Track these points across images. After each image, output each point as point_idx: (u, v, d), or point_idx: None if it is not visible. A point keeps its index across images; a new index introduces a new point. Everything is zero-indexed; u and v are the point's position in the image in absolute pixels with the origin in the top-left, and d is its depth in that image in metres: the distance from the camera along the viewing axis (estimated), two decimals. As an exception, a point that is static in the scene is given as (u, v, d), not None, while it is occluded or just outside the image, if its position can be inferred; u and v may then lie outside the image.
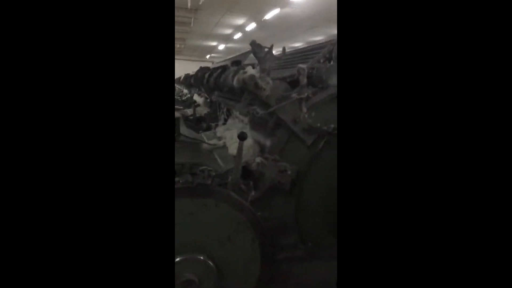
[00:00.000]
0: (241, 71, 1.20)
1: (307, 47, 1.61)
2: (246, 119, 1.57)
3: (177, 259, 1.02)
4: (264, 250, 1.12)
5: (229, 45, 14.85)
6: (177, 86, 5.67)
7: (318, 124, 1.22)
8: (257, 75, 1.17)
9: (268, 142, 1.32)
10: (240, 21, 11.08)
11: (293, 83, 1.27)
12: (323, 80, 1.25)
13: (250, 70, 1.19)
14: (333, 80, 1.26)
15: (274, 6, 9.19)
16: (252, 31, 11.32)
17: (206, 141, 1.73)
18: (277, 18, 10.00)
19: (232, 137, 1.60)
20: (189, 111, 2.97)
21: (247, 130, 1.46)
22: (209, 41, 15.08)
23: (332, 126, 1.22)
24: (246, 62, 1.86)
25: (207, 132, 2.03)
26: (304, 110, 1.22)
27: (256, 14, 9.94)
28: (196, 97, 3.70)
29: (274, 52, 1.27)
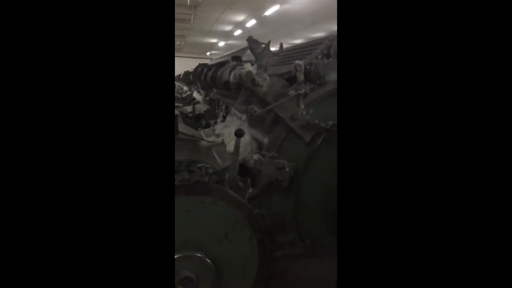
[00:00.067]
0: (238, 67, 1.20)
1: (305, 43, 1.60)
2: (244, 116, 1.56)
3: (175, 257, 1.02)
4: (262, 247, 1.12)
5: (229, 42, 14.81)
6: (177, 83, 5.66)
7: (316, 121, 1.21)
8: (254, 71, 1.16)
9: (266, 139, 1.31)
10: (240, 17, 11.04)
11: (291, 79, 1.26)
12: (321, 76, 1.24)
13: (247, 67, 1.18)
14: (331, 77, 1.25)
15: (274, 3, 9.15)
16: (252, 28, 11.28)
17: (205, 138, 1.73)
18: (277, 14, 9.96)
19: (230, 134, 1.60)
20: (189, 109, 2.97)
21: (245, 127, 1.45)
22: (209, 38, 15.04)
23: (330, 122, 1.21)
24: (244, 59, 1.85)
25: (206, 130, 2.03)
26: (302, 106, 1.21)
27: (256, 10, 9.90)
28: (195, 95, 3.70)
29: (272, 48, 1.26)
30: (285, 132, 1.23)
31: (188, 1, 9.03)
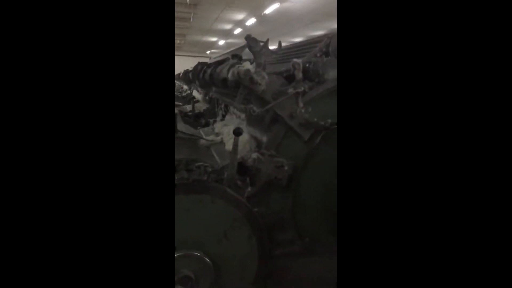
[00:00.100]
0: (237, 65, 1.19)
1: (304, 41, 1.60)
2: (243, 115, 1.56)
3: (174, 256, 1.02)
4: (261, 246, 1.12)
5: (229, 40, 14.79)
6: (177, 82, 5.65)
7: (315, 119, 1.21)
8: (253, 70, 1.15)
9: (264, 138, 1.31)
10: (239, 16, 11.02)
11: (290, 77, 1.26)
12: (320, 74, 1.24)
13: (246, 65, 1.18)
14: (330, 75, 1.24)
15: (274, 1, 9.13)
16: (252, 26, 11.25)
17: (204, 137, 1.73)
18: (276, 12, 9.94)
19: (229, 133, 1.60)
20: (188, 107, 2.97)
21: (244, 126, 1.45)
22: (209, 37, 15.02)
23: (329, 120, 1.21)
24: (244, 57, 1.84)
25: (205, 128, 2.03)
26: (301, 105, 1.21)
27: (255, 9, 9.88)
28: (195, 93, 3.69)
29: (271, 47, 1.25)
30: (284, 131, 1.23)
31: (188, -1, 9.02)
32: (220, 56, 2.71)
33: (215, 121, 2.08)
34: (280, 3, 9.14)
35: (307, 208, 1.26)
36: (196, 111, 2.69)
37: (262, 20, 10.63)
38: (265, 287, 1.19)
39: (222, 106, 2.07)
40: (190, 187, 1.05)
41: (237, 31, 12.67)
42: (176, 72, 5.83)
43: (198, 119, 2.50)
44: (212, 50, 17.72)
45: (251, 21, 11.07)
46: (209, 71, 2.14)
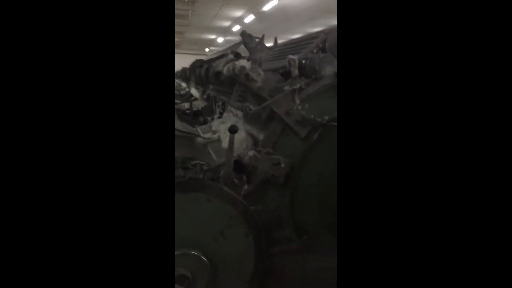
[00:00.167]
0: (232, 61, 1.18)
1: (301, 37, 1.58)
2: (240, 113, 1.55)
3: (170, 255, 1.02)
4: (258, 244, 1.11)
5: (228, 37, 14.74)
6: (177, 80, 5.63)
7: (312, 116, 1.20)
8: (248, 66, 1.14)
9: (261, 135, 1.30)
10: (238, 13, 10.97)
11: (286, 74, 1.24)
12: (316, 70, 1.22)
13: (241, 62, 1.16)
14: (327, 71, 1.23)
15: (272, -3, 9.08)
16: (250, 23, 11.21)
17: (201, 135, 1.72)
18: (275, 9, 9.89)
19: (226, 131, 1.58)
20: (186, 105, 2.96)
21: (241, 124, 1.44)
22: (208, 34, 14.97)
23: (326, 117, 1.20)
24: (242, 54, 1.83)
25: (203, 126, 2.02)
26: (297, 102, 1.19)
27: (254, 5, 9.83)
28: (193, 91, 3.68)
29: (269, 44, 1.24)
30: (280, 128, 1.22)
31: (186, -3, 8.98)
32: (217, 53, 2.70)
33: (212, 119, 2.07)
34: (279, 0, 9.10)
35: (305, 206, 1.26)
36: (194, 109, 2.68)
37: (261, 17, 10.58)
38: (264, 285, 1.19)
39: (220, 103, 2.06)
40: (186, 185, 1.04)
41: (236, 28, 12.62)
42: (175, 70, 5.81)
43: (196, 117, 2.49)
44: (211, 48, 17.67)
45: (249, 18, 11.03)
46: (205, 67, 2.13)
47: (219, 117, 2.00)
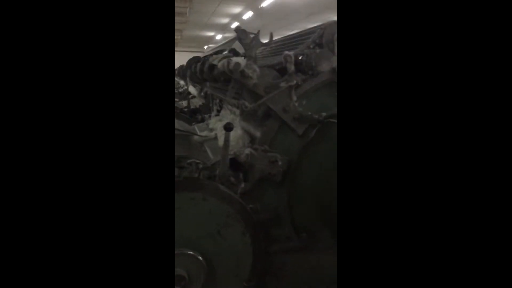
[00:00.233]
0: (227, 58, 1.16)
1: (297, 32, 1.56)
2: (237, 110, 1.53)
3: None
4: (256, 242, 1.10)
5: (227, 34, 14.67)
6: (175, 78, 5.60)
7: (309, 113, 1.18)
8: (244, 63, 1.12)
9: (258, 133, 1.28)
10: (236, 9, 10.91)
11: (282, 70, 1.23)
12: (313, 66, 1.20)
13: (236, 58, 1.14)
14: (324, 67, 1.21)
15: (270, -7, 9.03)
16: (249, 20, 11.16)
17: (198, 133, 1.70)
18: (274, 5, 9.84)
19: (223, 129, 1.57)
20: (184, 103, 2.94)
21: (237, 121, 1.42)
22: (206, 31, 14.90)
23: (324, 114, 1.18)
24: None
25: (200, 124, 2.00)
26: (294, 98, 1.18)
27: (252, 2, 9.77)
28: (191, 89, 3.66)
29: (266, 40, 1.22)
30: (277, 125, 1.21)
31: (184, -6, 8.92)
32: (213, 49, 2.68)
33: (210, 117, 2.05)
34: (277, -4, 9.05)
35: (303, 204, 1.24)
36: (192, 107, 2.67)
37: (259, 13, 10.53)
38: (263, 284, 1.18)
39: (217, 101, 2.04)
40: (181, 184, 1.02)
41: (235, 25, 12.55)
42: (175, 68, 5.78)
43: (194, 115, 2.47)
44: (210, 45, 17.60)
45: (248, 15, 10.97)
46: (200, 63, 2.11)
47: (216, 115, 1.98)
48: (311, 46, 1.26)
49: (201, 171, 1.07)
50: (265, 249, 1.13)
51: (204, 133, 1.65)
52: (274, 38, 1.53)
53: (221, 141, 1.47)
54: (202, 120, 2.19)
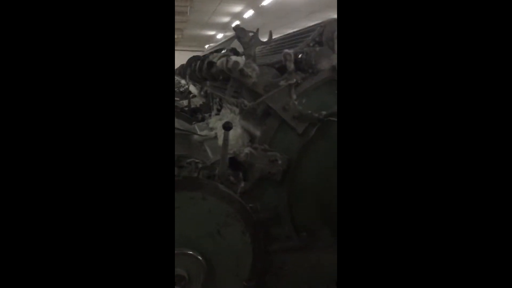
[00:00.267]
0: (226, 56, 1.16)
1: (297, 31, 1.55)
2: (237, 109, 1.52)
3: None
4: (256, 242, 1.09)
5: (228, 33, 14.65)
6: (176, 77, 5.60)
7: (309, 111, 1.17)
8: (242, 62, 1.12)
9: (258, 132, 1.27)
10: (237, 8, 10.89)
11: (282, 69, 1.22)
12: (313, 65, 1.20)
13: (235, 57, 1.14)
14: (323, 65, 1.21)
15: (271, -8, 9.00)
16: (249, 19, 11.14)
17: (198, 132, 1.70)
18: (274, 4, 9.82)
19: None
20: (185, 102, 2.93)
21: (237, 120, 1.42)
22: (207, 30, 14.89)
23: (324, 112, 1.18)
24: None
25: (200, 123, 2.00)
26: (294, 97, 1.17)
27: (253, 0, 9.75)
28: (191, 88, 3.65)
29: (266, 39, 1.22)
30: (277, 124, 1.20)
31: (184, -7, 8.91)
32: (212, 48, 2.67)
33: (210, 116, 2.04)
34: (278, -6, 9.02)
35: (303, 203, 1.24)
36: (192, 106, 2.66)
37: (260, 12, 10.51)
38: (263, 283, 1.17)
39: (217, 100, 2.03)
40: (180, 184, 1.02)
41: (235, 24, 12.53)
42: (176, 67, 5.77)
43: (194, 114, 2.46)
44: (211, 44, 17.57)
45: (248, 13, 10.95)
46: (199, 62, 2.10)
47: (217, 114, 1.98)
48: (311, 44, 1.25)
49: (200, 171, 1.07)
50: (265, 248, 1.13)
51: (204, 133, 1.65)
52: (275, 37, 1.52)
53: (220, 140, 1.46)
54: (203, 119, 2.18)
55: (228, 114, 1.72)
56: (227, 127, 1.07)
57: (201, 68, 1.97)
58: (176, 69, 5.49)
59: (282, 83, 1.15)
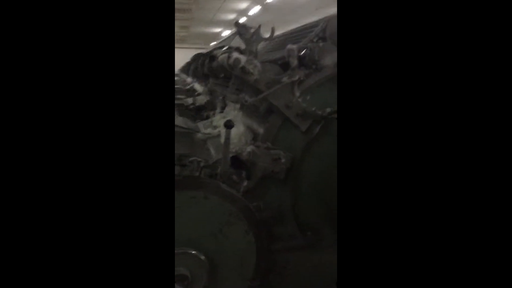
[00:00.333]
0: (228, 53, 1.14)
1: (300, 26, 1.53)
2: (239, 106, 1.51)
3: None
4: (259, 241, 1.08)
5: (234, 30, 14.61)
6: (182, 75, 5.61)
7: (313, 108, 1.15)
8: (244, 59, 1.10)
9: (261, 129, 1.26)
10: (242, 5, 10.86)
11: (285, 65, 1.20)
12: (316, 60, 1.17)
13: (236, 54, 1.12)
14: (327, 61, 1.18)
15: (277, -12, 8.94)
16: (255, 15, 11.09)
17: (202, 130, 1.69)
18: (279, 0, 9.76)
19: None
20: (190, 100, 2.93)
21: (239, 117, 1.40)
22: (213, 28, 14.89)
23: (328, 110, 1.15)
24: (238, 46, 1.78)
25: (204, 121, 1.99)
26: (297, 94, 1.15)
27: (258, -3, 9.71)
28: (196, 86, 3.65)
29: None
30: (280, 121, 1.18)
31: (189, -10, 8.91)
32: (215, 46, 2.66)
33: (214, 114, 2.03)
34: (283, -10, 8.96)
35: (307, 201, 1.22)
36: (197, 104, 2.65)
37: (266, 8, 10.45)
38: (267, 283, 1.16)
39: (221, 98, 2.02)
40: (181, 183, 1.01)
41: (241, 21, 12.49)
42: (181, 65, 5.79)
43: (199, 112, 2.46)
44: (214, 42, 17.58)
45: (254, 10, 10.90)
46: (202, 59, 2.09)
47: (221, 112, 1.97)
48: (315, 40, 1.22)
49: (202, 169, 1.06)
50: (268, 247, 1.11)
51: (208, 131, 1.64)
52: (280, 33, 1.50)
53: (223, 139, 1.45)
54: (207, 117, 2.17)
55: (232, 112, 1.71)
56: (228, 125, 1.06)
57: (204, 63, 1.96)
58: (182, 67, 5.49)
59: (285, 79, 1.13)
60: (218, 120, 1.76)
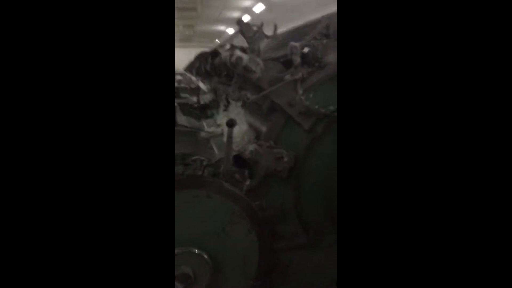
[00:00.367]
0: (230, 50, 1.13)
1: (303, 24, 1.51)
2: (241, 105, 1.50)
3: (171, 253, 1.00)
4: (262, 240, 1.08)
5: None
6: (187, 74, 5.62)
7: (316, 106, 1.14)
8: (246, 57, 1.09)
9: (264, 127, 1.25)
10: (247, 2, 10.83)
11: (288, 63, 1.19)
12: (319, 58, 1.16)
13: (239, 52, 1.11)
14: (330, 58, 1.17)
15: (281, -15, 8.89)
16: (260, 13, 11.05)
17: (205, 129, 1.69)
18: (283, -2, 9.71)
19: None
20: (195, 99, 2.93)
21: (242, 116, 1.40)
22: (218, 26, 14.88)
23: (331, 108, 1.14)
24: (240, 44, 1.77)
25: (208, 120, 1.98)
26: (300, 92, 1.14)
27: (263, -6, 9.67)
28: (201, 84, 3.65)
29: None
30: (283, 120, 1.17)
31: (194, -11, 8.91)
32: (218, 45, 2.65)
33: (218, 112, 2.03)
34: (288, -13, 8.91)
35: (310, 200, 1.21)
36: (202, 103, 2.65)
37: (270, 5, 10.41)
38: (270, 282, 1.16)
39: (224, 96, 2.02)
40: (184, 182, 1.01)
41: (246, 18, 12.48)
42: (186, 64, 5.79)
43: (204, 111, 2.46)
44: (217, 40, 17.56)
45: (258, 8, 10.86)
46: (205, 57, 2.09)
47: (225, 110, 1.96)
48: (318, 37, 1.21)
49: (205, 168, 1.06)
50: (271, 246, 1.11)
51: (211, 129, 1.64)
52: (282, 30, 1.49)
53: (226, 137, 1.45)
54: (212, 116, 2.17)
55: (235, 110, 1.70)
56: (230, 124, 1.06)
57: (207, 60, 1.95)
58: (187, 66, 5.50)
59: (288, 77, 1.12)
60: (222, 118, 1.76)
